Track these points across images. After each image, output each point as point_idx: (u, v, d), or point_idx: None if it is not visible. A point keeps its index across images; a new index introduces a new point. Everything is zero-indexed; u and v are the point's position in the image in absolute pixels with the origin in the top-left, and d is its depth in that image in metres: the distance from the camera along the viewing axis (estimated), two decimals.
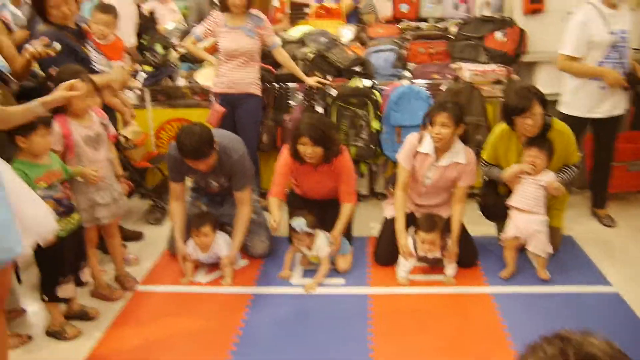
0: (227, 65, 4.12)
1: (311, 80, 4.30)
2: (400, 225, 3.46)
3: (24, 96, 3.11)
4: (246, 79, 4.15)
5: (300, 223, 3.32)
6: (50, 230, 2.44)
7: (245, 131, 4.12)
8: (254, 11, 4.15)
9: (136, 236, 4.07)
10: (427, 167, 3.45)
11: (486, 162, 3.60)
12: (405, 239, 3.41)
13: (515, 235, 3.36)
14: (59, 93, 2.57)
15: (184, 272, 3.47)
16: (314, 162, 3.46)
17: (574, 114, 3.95)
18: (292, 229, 3.38)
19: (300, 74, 4.32)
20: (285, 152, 3.58)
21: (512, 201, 3.40)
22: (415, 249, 3.38)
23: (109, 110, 3.52)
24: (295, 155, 3.46)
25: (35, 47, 2.96)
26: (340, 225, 3.55)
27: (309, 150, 3.37)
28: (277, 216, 3.42)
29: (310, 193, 3.76)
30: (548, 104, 3.32)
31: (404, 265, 3.40)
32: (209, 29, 4.16)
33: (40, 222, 2.36)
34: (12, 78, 2.23)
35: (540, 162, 3.31)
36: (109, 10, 3.86)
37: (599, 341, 1.02)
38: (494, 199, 3.65)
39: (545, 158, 3.31)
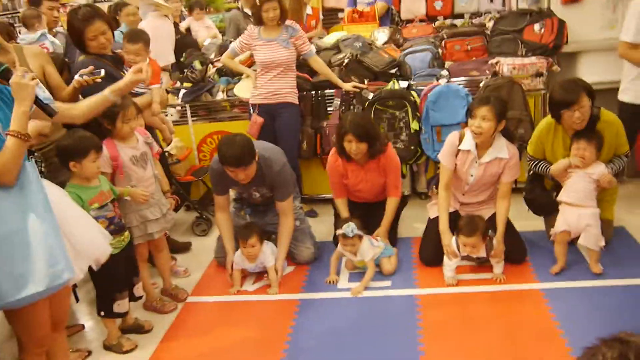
0: (265, 77, 4.19)
1: (348, 86, 4.31)
2: (443, 225, 3.44)
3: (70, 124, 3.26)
4: (283, 89, 4.20)
5: (351, 227, 3.37)
6: (103, 253, 2.52)
7: (285, 140, 4.18)
8: (288, 22, 4.20)
9: (185, 247, 4.18)
10: (470, 164, 3.42)
11: (532, 156, 3.54)
12: (449, 239, 3.39)
13: (566, 229, 3.29)
14: (128, 77, 2.67)
15: (232, 282, 3.53)
16: (359, 158, 3.58)
17: (633, 102, 3.84)
18: (341, 236, 3.41)
19: (336, 79, 4.34)
20: (332, 155, 3.73)
21: (562, 196, 3.33)
22: (459, 249, 3.35)
23: (149, 129, 3.62)
24: (342, 152, 3.58)
25: (83, 76, 3.07)
26: (386, 220, 3.71)
27: (353, 146, 3.49)
28: (346, 213, 3.76)
29: (358, 193, 3.81)
30: (595, 94, 3.24)
31: (450, 265, 3.37)
32: (245, 43, 4.23)
33: (93, 246, 2.44)
34: (55, 110, 2.31)
35: (590, 155, 3.23)
36: (137, 38, 3.74)
37: None
38: (540, 194, 3.59)
39: (594, 150, 3.23)
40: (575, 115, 3.19)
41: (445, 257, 3.40)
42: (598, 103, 3.33)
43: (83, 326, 3.32)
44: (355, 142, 3.48)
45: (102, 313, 3.01)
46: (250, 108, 4.32)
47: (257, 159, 3.35)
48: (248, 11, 5.81)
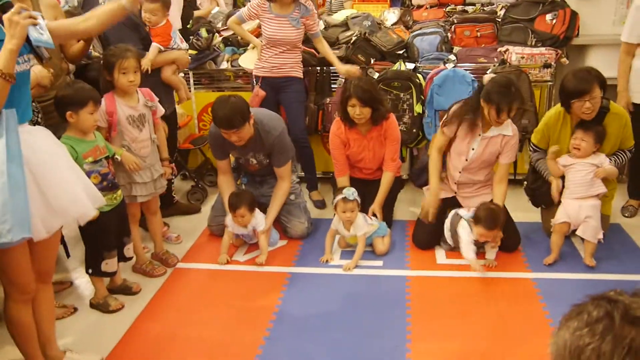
0: (270, 51, 4.11)
1: (342, 69, 4.19)
2: (434, 184, 3.47)
3: (80, 74, 3.27)
4: (288, 63, 4.13)
5: (351, 191, 3.38)
6: (84, 214, 2.31)
7: (291, 114, 4.16)
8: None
9: (195, 210, 4.23)
10: (473, 136, 3.38)
11: (535, 145, 3.49)
12: (435, 201, 3.45)
13: (566, 221, 3.27)
14: None
15: (221, 247, 3.50)
16: (362, 124, 3.57)
17: (634, 101, 3.79)
18: (341, 200, 3.37)
19: (336, 62, 4.20)
20: (334, 124, 3.71)
21: (564, 194, 3.31)
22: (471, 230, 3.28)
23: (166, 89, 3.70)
24: (345, 118, 3.56)
25: None
26: (381, 194, 3.68)
27: (357, 111, 3.47)
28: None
29: (360, 164, 3.77)
30: (606, 86, 3.20)
31: (468, 245, 3.21)
32: (254, 12, 4.13)
33: (73, 204, 2.25)
34: (46, 54, 2.18)
35: (586, 146, 3.19)
36: None
37: None
38: (542, 184, 3.55)
39: (591, 141, 3.19)
40: (585, 106, 3.14)
41: (462, 235, 3.28)
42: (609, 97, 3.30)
43: (71, 283, 3.30)
44: (359, 106, 3.46)
45: (90, 271, 2.99)
46: (254, 80, 4.27)
47: (252, 122, 3.33)
48: None
